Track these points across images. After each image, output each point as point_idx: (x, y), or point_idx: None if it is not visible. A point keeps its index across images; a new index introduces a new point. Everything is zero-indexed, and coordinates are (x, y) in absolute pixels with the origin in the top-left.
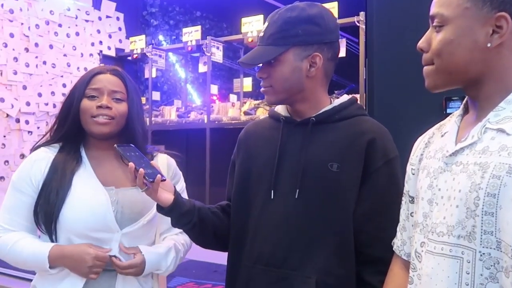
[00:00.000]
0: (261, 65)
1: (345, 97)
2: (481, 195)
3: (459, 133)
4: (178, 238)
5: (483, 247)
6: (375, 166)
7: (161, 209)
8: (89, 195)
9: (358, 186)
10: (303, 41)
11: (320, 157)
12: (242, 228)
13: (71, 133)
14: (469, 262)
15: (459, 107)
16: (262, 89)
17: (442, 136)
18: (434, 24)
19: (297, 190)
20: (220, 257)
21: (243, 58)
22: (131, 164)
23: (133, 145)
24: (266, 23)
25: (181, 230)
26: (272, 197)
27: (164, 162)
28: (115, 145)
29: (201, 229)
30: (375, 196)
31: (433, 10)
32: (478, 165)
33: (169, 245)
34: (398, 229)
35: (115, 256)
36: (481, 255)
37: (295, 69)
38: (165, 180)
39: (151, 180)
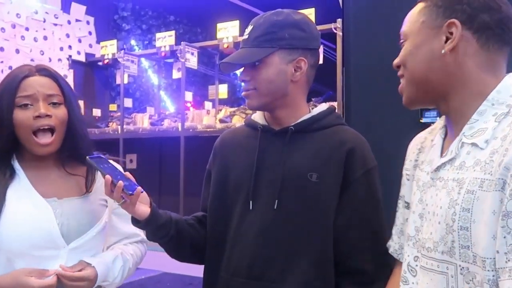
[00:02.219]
0: (242, 69)
1: (323, 106)
2: (457, 211)
3: (444, 147)
4: (126, 248)
5: (462, 261)
6: (355, 176)
7: (136, 222)
8: (28, 209)
9: (338, 196)
10: (289, 45)
11: (300, 167)
12: (220, 239)
13: (2, 146)
14: (452, 277)
15: (434, 117)
16: (243, 92)
17: (432, 146)
18: (401, 40)
19: (276, 201)
20: (195, 270)
21: (228, 59)
22: (107, 176)
23: (104, 156)
24: (250, 26)
25: (132, 241)
26: (250, 208)
27: None
28: (86, 157)
29: (178, 242)
30: (354, 206)
31: (401, 29)
32: (456, 181)
33: (115, 253)
34: (394, 231)
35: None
36: (461, 269)
37: (280, 72)
38: (142, 192)
39: (131, 192)
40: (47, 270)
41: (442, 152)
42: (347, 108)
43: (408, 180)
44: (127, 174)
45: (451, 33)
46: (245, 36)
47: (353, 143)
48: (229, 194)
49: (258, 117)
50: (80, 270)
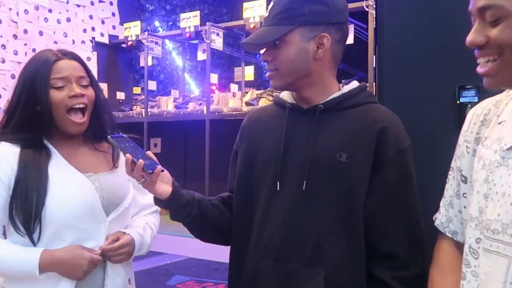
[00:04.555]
0: (264, 49)
1: (354, 83)
2: None
3: None
4: (147, 218)
5: None
6: (386, 157)
7: (159, 201)
8: (72, 185)
9: (368, 178)
10: (310, 21)
11: (328, 147)
12: (247, 221)
13: (34, 126)
14: None
15: (473, 96)
16: (267, 73)
17: (499, 123)
18: (488, 18)
19: (305, 182)
20: (221, 255)
21: (247, 39)
22: (128, 155)
23: (125, 135)
24: (272, 3)
25: (149, 212)
26: (278, 189)
27: None
28: (108, 136)
29: (201, 222)
30: (386, 189)
31: (483, 1)
32: None
33: (143, 223)
34: (442, 203)
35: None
36: None
37: (301, 50)
38: (163, 171)
39: (150, 171)
40: (94, 250)
41: None
42: (380, 89)
43: (468, 153)
44: (149, 153)
45: None
46: (266, 14)
47: (385, 122)
48: (256, 175)
49: (286, 95)
50: (117, 240)
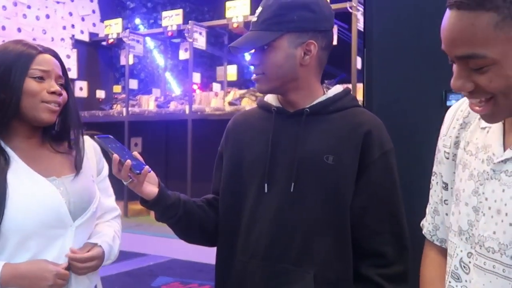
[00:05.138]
0: (253, 51)
1: (339, 88)
2: None
3: (505, 135)
4: (113, 225)
5: None
6: (372, 158)
7: (144, 202)
8: (34, 190)
9: (355, 179)
10: (298, 28)
11: (315, 149)
12: (234, 222)
13: None
14: None
15: (459, 100)
16: (253, 76)
17: (482, 128)
18: (472, 66)
19: (293, 183)
20: (205, 256)
21: (235, 43)
22: (115, 155)
23: (111, 136)
24: (260, 8)
25: (113, 216)
26: (266, 191)
27: (90, 145)
28: (95, 136)
29: (186, 223)
30: (372, 189)
31: (462, 51)
32: None
33: (111, 231)
34: (428, 210)
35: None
36: None
37: (288, 56)
38: (150, 171)
39: (138, 172)
40: (60, 264)
41: (504, 142)
42: (368, 92)
43: (447, 159)
44: (135, 153)
45: None
46: (255, 19)
47: (370, 125)
48: (243, 177)
49: (271, 98)
50: (88, 251)
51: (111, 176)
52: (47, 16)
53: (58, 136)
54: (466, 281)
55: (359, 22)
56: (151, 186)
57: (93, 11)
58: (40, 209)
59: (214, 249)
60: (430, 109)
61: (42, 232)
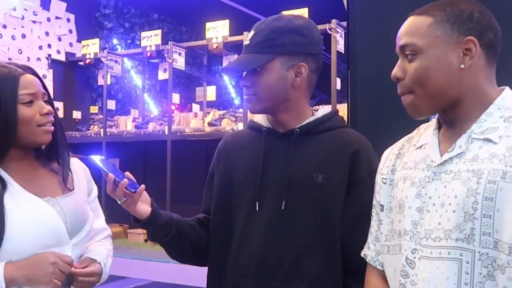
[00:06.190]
0: (245, 73)
1: (326, 109)
2: (479, 200)
3: (440, 145)
4: (105, 244)
5: (481, 247)
6: (360, 177)
7: (137, 221)
8: (31, 212)
9: (343, 197)
10: (290, 51)
11: (305, 168)
12: (225, 240)
13: None
14: (468, 263)
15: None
16: (245, 97)
17: (418, 148)
18: (407, 53)
19: (284, 202)
20: (186, 278)
21: (229, 65)
22: (110, 175)
23: (103, 156)
24: (252, 32)
25: (104, 236)
26: (257, 209)
27: (80, 166)
28: (89, 156)
29: (178, 242)
30: (360, 206)
31: (404, 40)
32: (471, 172)
33: (104, 250)
34: (369, 240)
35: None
36: (480, 255)
37: (280, 78)
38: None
39: (133, 190)
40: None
41: (440, 150)
42: (352, 113)
43: (384, 183)
44: (128, 173)
45: (468, 50)
46: (247, 42)
47: (357, 145)
48: (234, 196)
49: (261, 119)
50: (86, 266)
51: None
52: (23, 36)
53: (48, 154)
54: (413, 275)
55: (338, 43)
56: (144, 205)
57: (70, 31)
58: (39, 230)
59: (196, 270)
60: (414, 128)
61: (39, 252)
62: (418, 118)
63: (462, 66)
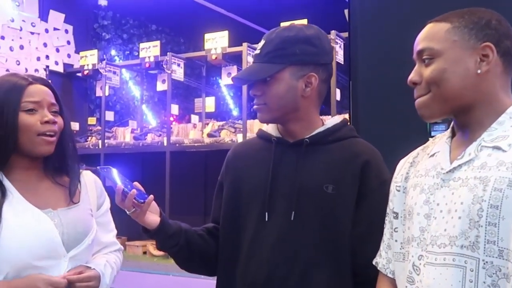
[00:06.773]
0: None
1: (336, 119)
2: (484, 207)
3: (451, 153)
4: (108, 257)
5: (486, 255)
6: (370, 187)
7: (146, 231)
8: (28, 222)
9: (354, 208)
10: (300, 61)
11: (315, 179)
12: (234, 250)
13: None
14: (472, 271)
15: (443, 130)
16: (255, 106)
17: (431, 156)
18: (424, 57)
19: (293, 212)
20: None
21: (239, 74)
22: (119, 185)
23: (112, 167)
24: (263, 41)
25: (112, 250)
26: (266, 219)
27: (91, 179)
28: (98, 167)
29: (187, 252)
30: (371, 217)
31: (421, 45)
32: (478, 179)
33: (103, 260)
34: (382, 247)
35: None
36: (484, 263)
37: (290, 88)
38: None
39: (142, 201)
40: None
41: (450, 158)
42: (355, 123)
43: (398, 191)
44: (136, 184)
45: (485, 56)
46: (257, 51)
47: (368, 155)
48: (243, 206)
49: (271, 129)
50: (81, 272)
51: None
52: (21, 47)
53: (58, 167)
54: (418, 281)
55: (337, 54)
56: (153, 216)
57: (68, 42)
58: (34, 240)
59: (195, 282)
60: (415, 140)
61: (36, 263)
62: (428, 120)
63: (479, 71)
